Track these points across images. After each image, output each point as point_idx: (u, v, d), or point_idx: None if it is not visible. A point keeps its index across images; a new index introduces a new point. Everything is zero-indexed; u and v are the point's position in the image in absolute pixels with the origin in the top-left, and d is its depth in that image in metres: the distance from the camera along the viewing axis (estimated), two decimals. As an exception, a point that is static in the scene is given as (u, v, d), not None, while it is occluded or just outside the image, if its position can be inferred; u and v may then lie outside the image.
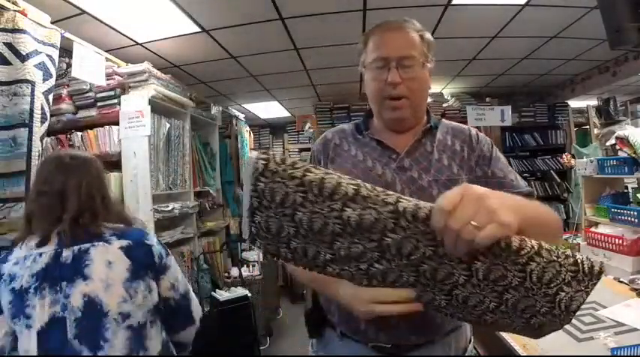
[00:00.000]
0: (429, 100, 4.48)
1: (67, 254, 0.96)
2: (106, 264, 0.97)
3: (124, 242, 1.01)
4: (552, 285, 0.57)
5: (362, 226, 0.55)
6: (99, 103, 2.43)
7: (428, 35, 0.90)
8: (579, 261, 0.57)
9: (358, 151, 0.91)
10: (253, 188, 0.56)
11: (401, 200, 0.54)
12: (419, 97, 0.89)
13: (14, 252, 1.00)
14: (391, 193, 0.55)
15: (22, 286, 0.94)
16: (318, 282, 0.80)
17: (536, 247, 0.55)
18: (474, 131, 0.95)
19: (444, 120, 0.98)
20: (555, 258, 0.56)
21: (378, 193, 0.54)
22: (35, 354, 0.91)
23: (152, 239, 1.08)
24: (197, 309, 1.16)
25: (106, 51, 2.36)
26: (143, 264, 1.02)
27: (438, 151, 0.89)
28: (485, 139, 0.94)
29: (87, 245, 0.98)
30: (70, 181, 1.02)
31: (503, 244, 0.54)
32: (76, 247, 0.97)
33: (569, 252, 0.58)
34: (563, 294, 0.58)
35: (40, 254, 0.96)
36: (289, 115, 5.69)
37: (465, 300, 0.61)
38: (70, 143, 2.39)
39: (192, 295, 1.16)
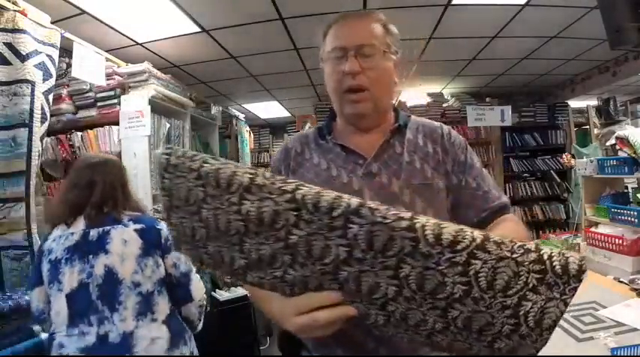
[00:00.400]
0: (429, 99, 4.52)
1: (93, 233, 1.20)
2: (123, 242, 1.20)
3: (139, 226, 1.24)
4: (511, 292, 0.44)
5: (263, 222, 0.48)
6: (99, 103, 2.43)
7: (392, 26, 0.84)
8: (546, 257, 0.44)
9: (321, 158, 0.83)
10: (161, 186, 0.52)
11: (301, 188, 0.47)
12: (381, 90, 0.81)
13: (53, 233, 1.24)
14: (293, 180, 0.48)
15: (56, 257, 1.18)
16: (257, 297, 0.71)
17: (478, 240, 0.43)
18: (446, 129, 0.88)
19: (413, 117, 0.90)
20: (509, 254, 0.43)
21: (274, 180, 0.47)
22: (65, 312, 1.15)
23: (162, 225, 1.29)
24: (197, 289, 1.32)
25: (106, 51, 2.36)
26: (153, 244, 1.23)
27: (408, 153, 0.81)
28: (459, 140, 0.87)
29: (109, 228, 1.21)
30: (96, 175, 1.26)
31: (430, 238, 0.43)
32: (100, 229, 1.21)
33: (530, 244, 0.45)
34: (528, 304, 0.45)
35: (72, 233, 1.20)
36: (289, 115, 5.69)
37: (403, 317, 0.49)
38: (70, 143, 2.38)
39: (194, 276, 1.32)
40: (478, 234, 0.44)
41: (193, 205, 0.51)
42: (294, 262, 0.49)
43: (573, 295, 0.45)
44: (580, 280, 0.44)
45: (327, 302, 0.51)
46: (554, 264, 0.44)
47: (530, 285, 0.44)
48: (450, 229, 0.44)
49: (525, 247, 0.44)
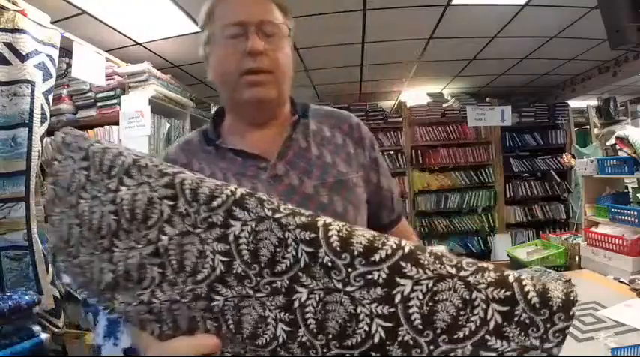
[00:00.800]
0: (429, 99, 4.52)
1: None
2: None
3: None
4: (461, 335, 0.30)
5: (135, 215, 0.38)
6: (99, 103, 2.43)
7: (290, 14, 0.73)
8: (511, 278, 0.30)
9: (214, 168, 0.68)
10: (50, 172, 0.44)
11: (185, 173, 0.38)
12: (284, 75, 0.68)
13: None
14: (182, 169, 0.39)
15: None
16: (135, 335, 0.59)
17: (407, 248, 0.31)
18: (355, 121, 0.78)
19: (313, 105, 0.78)
20: (454, 270, 0.30)
21: (158, 163, 0.39)
22: None
23: None
24: None
25: (106, 51, 2.36)
26: None
27: (316, 146, 0.70)
28: (370, 135, 0.79)
29: None
30: None
31: (335, 241, 0.31)
32: None
33: (488, 265, 0.31)
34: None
35: None
36: (289, 115, 5.69)
37: None
38: (70, 143, 2.39)
39: None
40: (406, 243, 0.31)
41: (74, 195, 0.42)
42: (163, 277, 0.38)
43: (561, 343, 0.30)
44: (570, 317, 0.30)
45: (201, 351, 0.38)
46: (526, 289, 0.29)
47: (492, 323, 0.29)
48: (365, 232, 0.32)
49: (478, 265, 0.30)
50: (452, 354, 0.30)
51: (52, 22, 1.80)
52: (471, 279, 0.30)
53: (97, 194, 0.40)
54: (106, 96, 2.41)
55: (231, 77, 0.66)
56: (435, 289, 0.30)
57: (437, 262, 0.30)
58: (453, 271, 0.30)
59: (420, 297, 0.30)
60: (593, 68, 3.91)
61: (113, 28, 2.49)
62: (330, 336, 0.32)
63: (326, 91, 4.48)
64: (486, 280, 0.30)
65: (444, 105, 4.53)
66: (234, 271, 0.34)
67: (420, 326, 0.30)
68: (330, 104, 4.60)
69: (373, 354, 0.31)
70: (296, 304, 0.33)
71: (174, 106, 2.75)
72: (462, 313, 0.30)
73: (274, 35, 0.66)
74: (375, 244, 0.31)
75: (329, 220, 0.33)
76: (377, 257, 0.30)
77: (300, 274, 0.33)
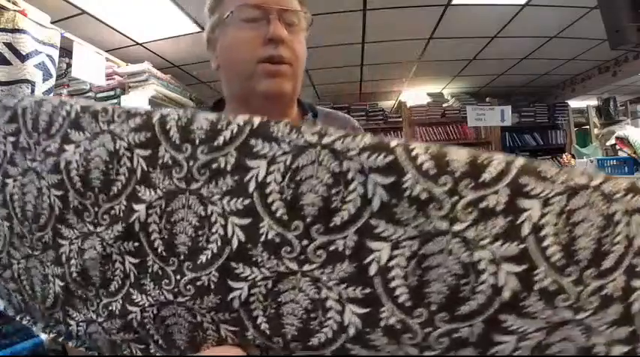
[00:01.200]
0: (429, 99, 4.52)
1: None
2: None
3: None
4: (607, 265, 0.22)
5: (89, 181, 0.26)
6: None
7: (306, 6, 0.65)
8: None
9: None
10: None
11: (165, 110, 0.27)
12: (300, 70, 0.63)
13: None
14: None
15: None
16: None
17: (519, 161, 0.22)
18: (356, 123, 0.76)
19: (317, 106, 0.75)
20: (585, 181, 0.22)
21: (124, 106, 0.29)
22: None
23: None
24: None
25: (106, 51, 2.36)
26: None
27: None
28: None
29: None
30: None
31: (427, 161, 0.22)
32: None
33: (615, 180, 0.23)
34: None
35: None
36: (289, 115, 5.69)
37: None
38: (70, 143, 2.39)
39: None
40: (514, 158, 0.23)
41: None
42: (142, 270, 0.26)
43: None
44: None
45: None
46: None
47: (637, 242, 0.22)
48: (455, 147, 0.24)
49: (601, 175, 0.23)
50: (603, 292, 0.21)
51: (52, 22, 1.80)
52: (606, 188, 0.22)
53: (30, 165, 0.29)
54: (106, 96, 2.41)
55: (246, 65, 0.57)
56: (568, 208, 0.21)
57: (562, 172, 0.22)
58: (585, 180, 0.22)
59: (554, 222, 0.21)
60: (593, 68, 3.91)
61: (113, 28, 2.49)
62: (434, 307, 0.21)
63: (326, 91, 4.48)
64: (619, 187, 0.22)
65: (444, 105, 4.53)
66: (263, 238, 0.23)
67: (561, 263, 0.21)
68: (330, 104, 4.60)
69: (503, 318, 0.21)
70: (373, 270, 0.22)
71: (174, 106, 2.75)
72: (604, 234, 0.22)
73: (294, 25, 0.59)
74: (480, 161, 0.22)
75: (401, 139, 0.24)
76: (487, 176, 0.22)
77: (374, 222, 0.22)
